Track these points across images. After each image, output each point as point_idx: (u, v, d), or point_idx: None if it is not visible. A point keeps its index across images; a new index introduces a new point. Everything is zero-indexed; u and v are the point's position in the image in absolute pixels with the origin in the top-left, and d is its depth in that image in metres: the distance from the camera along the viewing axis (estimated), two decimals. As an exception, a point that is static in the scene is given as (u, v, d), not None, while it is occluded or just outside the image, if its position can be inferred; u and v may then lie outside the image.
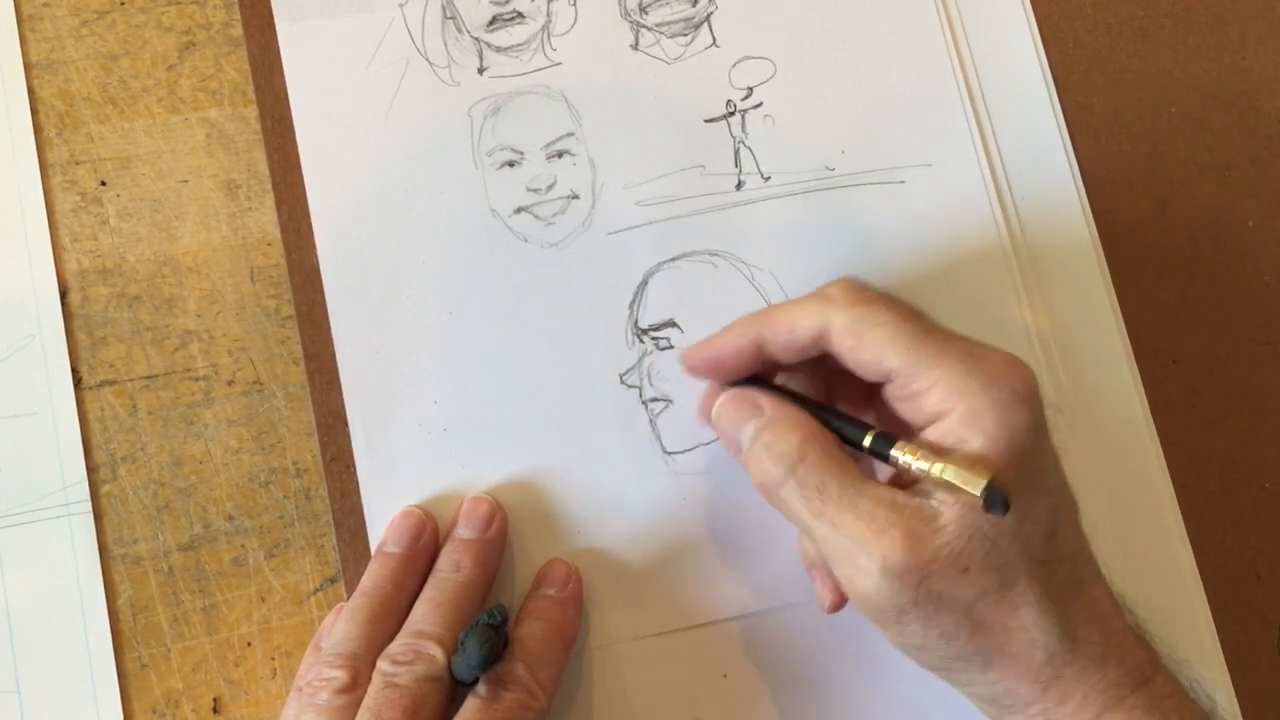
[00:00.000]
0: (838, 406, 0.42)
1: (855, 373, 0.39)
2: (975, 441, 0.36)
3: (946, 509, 0.36)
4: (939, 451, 0.36)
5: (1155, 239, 0.50)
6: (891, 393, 0.38)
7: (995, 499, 0.35)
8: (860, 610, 0.38)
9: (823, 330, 0.39)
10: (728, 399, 0.41)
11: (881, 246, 0.48)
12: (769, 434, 0.39)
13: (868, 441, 0.38)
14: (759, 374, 0.42)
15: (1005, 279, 0.48)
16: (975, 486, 0.35)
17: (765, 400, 0.40)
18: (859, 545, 0.36)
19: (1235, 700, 0.46)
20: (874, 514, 0.36)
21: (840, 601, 0.42)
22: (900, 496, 0.37)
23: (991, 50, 0.51)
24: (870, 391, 0.40)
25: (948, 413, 0.37)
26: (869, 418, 0.40)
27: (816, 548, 0.39)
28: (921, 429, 0.38)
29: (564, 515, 0.45)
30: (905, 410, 0.38)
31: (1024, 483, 0.36)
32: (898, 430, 0.38)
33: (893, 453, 0.37)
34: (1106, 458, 0.47)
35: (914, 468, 0.37)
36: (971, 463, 0.36)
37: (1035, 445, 0.37)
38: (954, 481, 0.36)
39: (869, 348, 0.38)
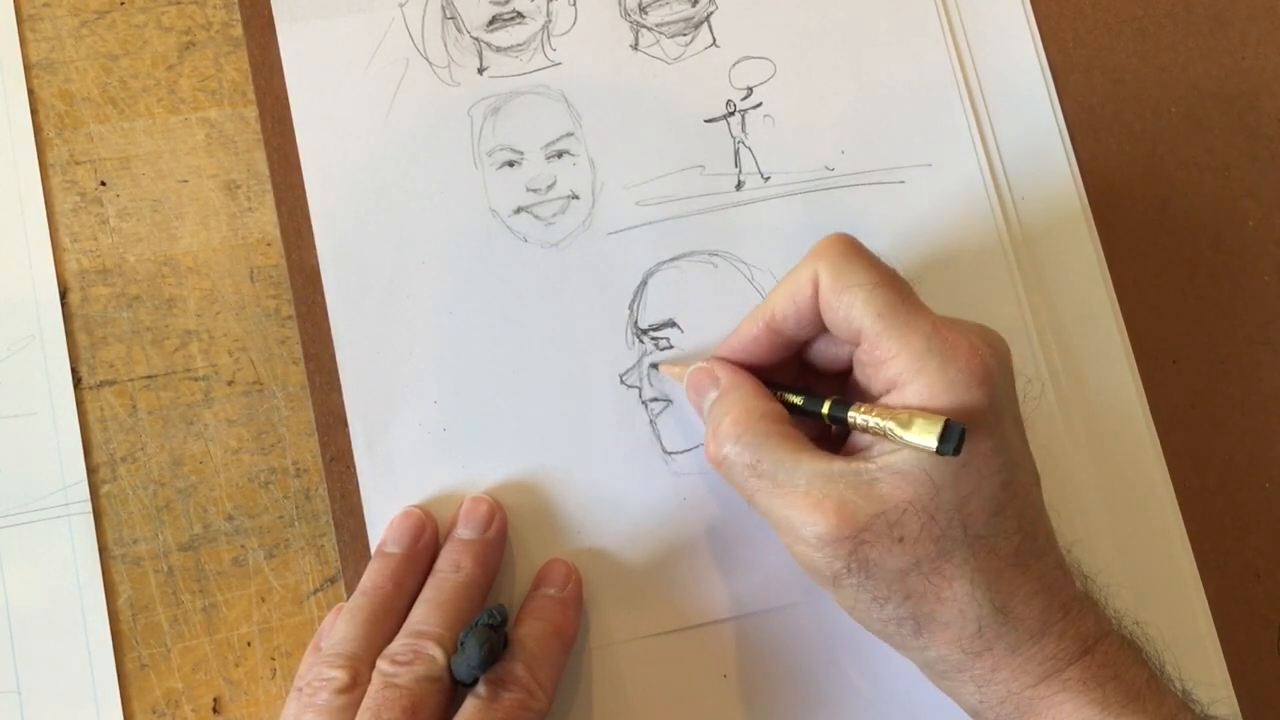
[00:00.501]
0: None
1: (832, 333, 0.40)
2: (922, 418, 0.36)
3: (885, 478, 0.37)
4: (893, 409, 0.37)
5: (1155, 239, 0.50)
6: (858, 356, 0.39)
7: (950, 436, 0.35)
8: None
9: (815, 284, 0.39)
10: (692, 372, 0.43)
11: (881, 246, 0.48)
12: (718, 407, 0.41)
13: (826, 408, 0.40)
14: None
15: (1005, 278, 0.48)
16: (930, 433, 0.35)
17: (722, 372, 0.42)
18: (795, 515, 0.38)
19: (1235, 700, 0.46)
20: (809, 486, 0.38)
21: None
22: (838, 466, 0.38)
23: (991, 50, 0.51)
24: (842, 386, 0.42)
25: (904, 385, 0.37)
26: None
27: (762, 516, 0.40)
28: (879, 397, 0.39)
29: (564, 515, 0.45)
30: (868, 376, 0.39)
31: (971, 462, 0.37)
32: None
33: (849, 413, 0.38)
34: (1106, 458, 0.47)
35: (870, 425, 0.38)
36: (925, 413, 0.36)
37: (987, 425, 0.37)
38: (906, 435, 0.36)
39: (843, 305, 0.38)
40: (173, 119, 0.48)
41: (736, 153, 0.49)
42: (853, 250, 0.39)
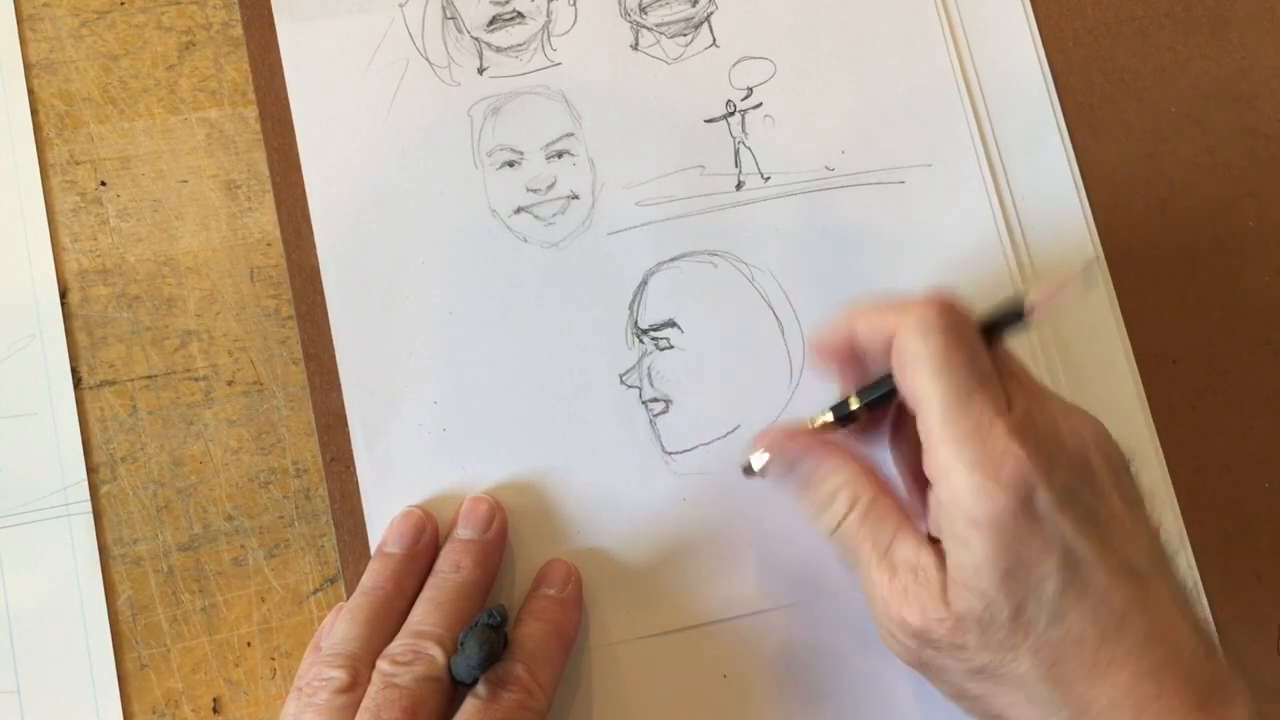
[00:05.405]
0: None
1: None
2: (958, 523, 0.36)
3: (950, 587, 0.37)
4: None
5: (1155, 239, 0.50)
6: (918, 426, 0.39)
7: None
8: None
9: (893, 336, 0.39)
10: (799, 444, 0.42)
11: (881, 246, 0.48)
12: (826, 483, 0.41)
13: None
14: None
15: (1005, 279, 0.48)
16: None
17: (829, 450, 0.41)
18: (882, 602, 0.39)
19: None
20: (898, 578, 0.38)
21: None
22: (924, 559, 0.38)
23: (991, 50, 0.51)
24: None
25: (939, 482, 0.37)
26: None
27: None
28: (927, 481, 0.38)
29: (564, 515, 0.45)
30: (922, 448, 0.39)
31: (1017, 572, 0.36)
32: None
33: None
34: (1106, 458, 0.47)
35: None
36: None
37: (1026, 533, 0.36)
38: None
39: (909, 376, 0.38)
40: (173, 119, 0.48)
41: (736, 153, 0.49)
42: (940, 323, 0.38)
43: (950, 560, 0.37)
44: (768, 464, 0.42)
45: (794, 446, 0.42)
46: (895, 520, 0.39)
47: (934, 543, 0.38)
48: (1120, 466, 0.39)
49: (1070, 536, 0.37)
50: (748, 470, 0.42)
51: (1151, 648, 0.37)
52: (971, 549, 0.36)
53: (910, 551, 0.38)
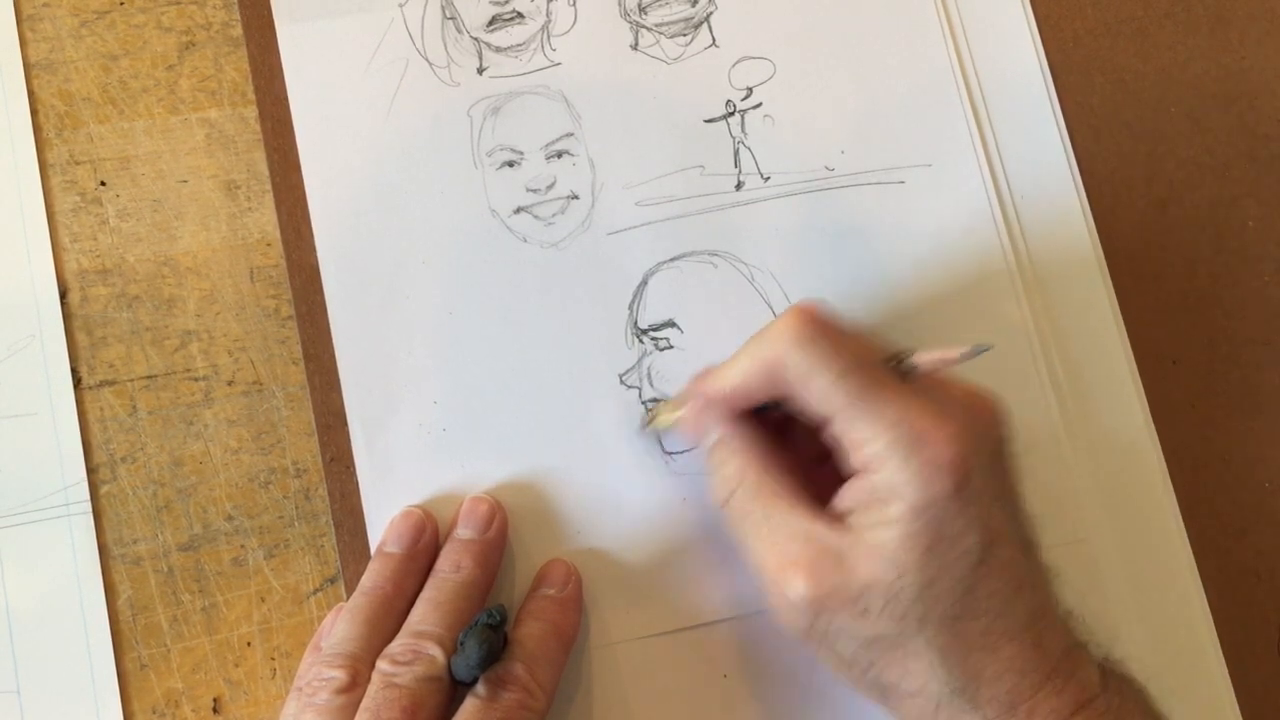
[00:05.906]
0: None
1: (803, 412, 0.40)
2: (892, 507, 0.36)
3: (853, 552, 0.37)
4: None
5: (1155, 239, 0.50)
6: (832, 434, 0.39)
7: None
8: None
9: (777, 371, 0.38)
10: (689, 414, 0.42)
11: (881, 246, 0.48)
12: (716, 455, 0.41)
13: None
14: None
15: (1005, 279, 0.48)
16: None
17: (719, 414, 0.42)
18: (770, 568, 0.39)
19: (1235, 700, 0.46)
20: (787, 546, 0.38)
21: None
22: (819, 530, 0.38)
23: (991, 50, 0.51)
24: None
25: (872, 473, 0.37)
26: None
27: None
28: (855, 474, 0.38)
29: (564, 515, 0.45)
30: (843, 453, 0.39)
31: (938, 547, 0.36)
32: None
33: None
34: (1106, 458, 0.47)
35: None
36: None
37: (955, 511, 0.36)
38: None
39: (808, 393, 0.38)
40: (173, 119, 0.48)
41: (736, 153, 0.49)
42: (815, 333, 0.38)
43: (866, 535, 0.37)
44: (681, 430, 0.43)
45: (701, 417, 0.42)
46: (785, 494, 0.39)
47: (831, 516, 0.38)
48: (1010, 439, 0.39)
49: (990, 512, 0.38)
50: (647, 429, 0.45)
51: (1036, 619, 0.38)
52: (899, 527, 0.36)
53: (802, 523, 0.38)
